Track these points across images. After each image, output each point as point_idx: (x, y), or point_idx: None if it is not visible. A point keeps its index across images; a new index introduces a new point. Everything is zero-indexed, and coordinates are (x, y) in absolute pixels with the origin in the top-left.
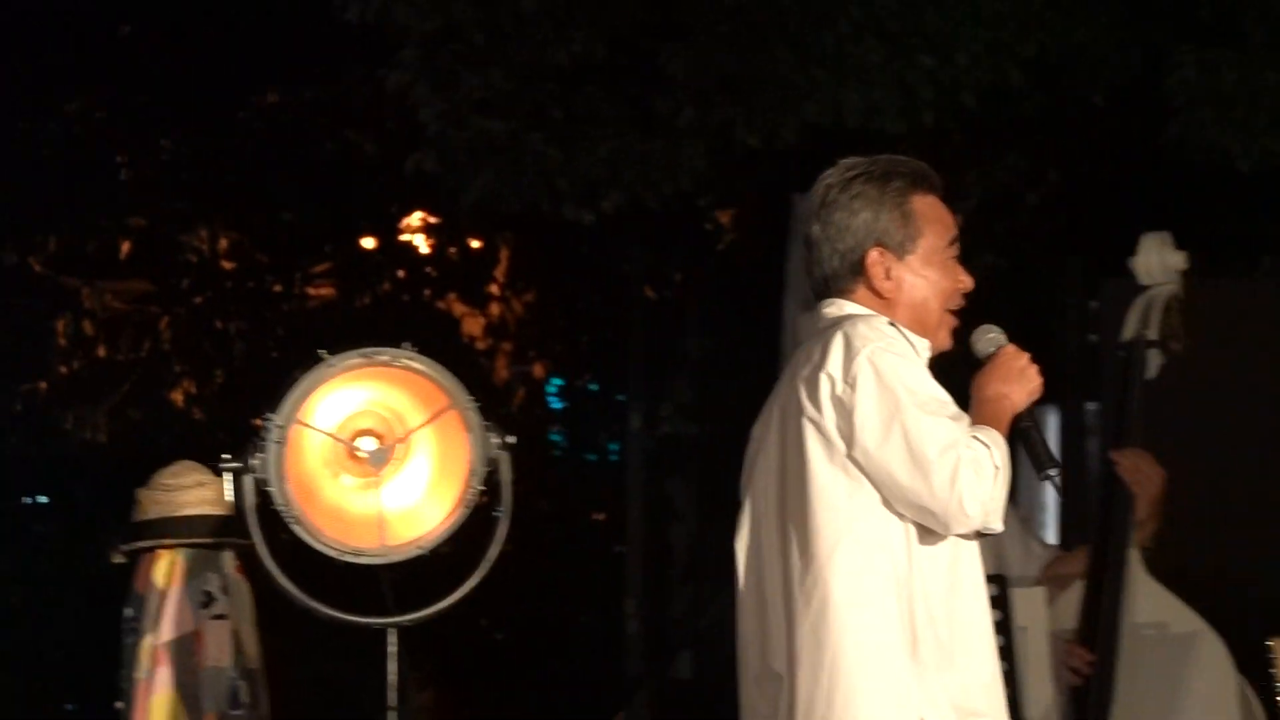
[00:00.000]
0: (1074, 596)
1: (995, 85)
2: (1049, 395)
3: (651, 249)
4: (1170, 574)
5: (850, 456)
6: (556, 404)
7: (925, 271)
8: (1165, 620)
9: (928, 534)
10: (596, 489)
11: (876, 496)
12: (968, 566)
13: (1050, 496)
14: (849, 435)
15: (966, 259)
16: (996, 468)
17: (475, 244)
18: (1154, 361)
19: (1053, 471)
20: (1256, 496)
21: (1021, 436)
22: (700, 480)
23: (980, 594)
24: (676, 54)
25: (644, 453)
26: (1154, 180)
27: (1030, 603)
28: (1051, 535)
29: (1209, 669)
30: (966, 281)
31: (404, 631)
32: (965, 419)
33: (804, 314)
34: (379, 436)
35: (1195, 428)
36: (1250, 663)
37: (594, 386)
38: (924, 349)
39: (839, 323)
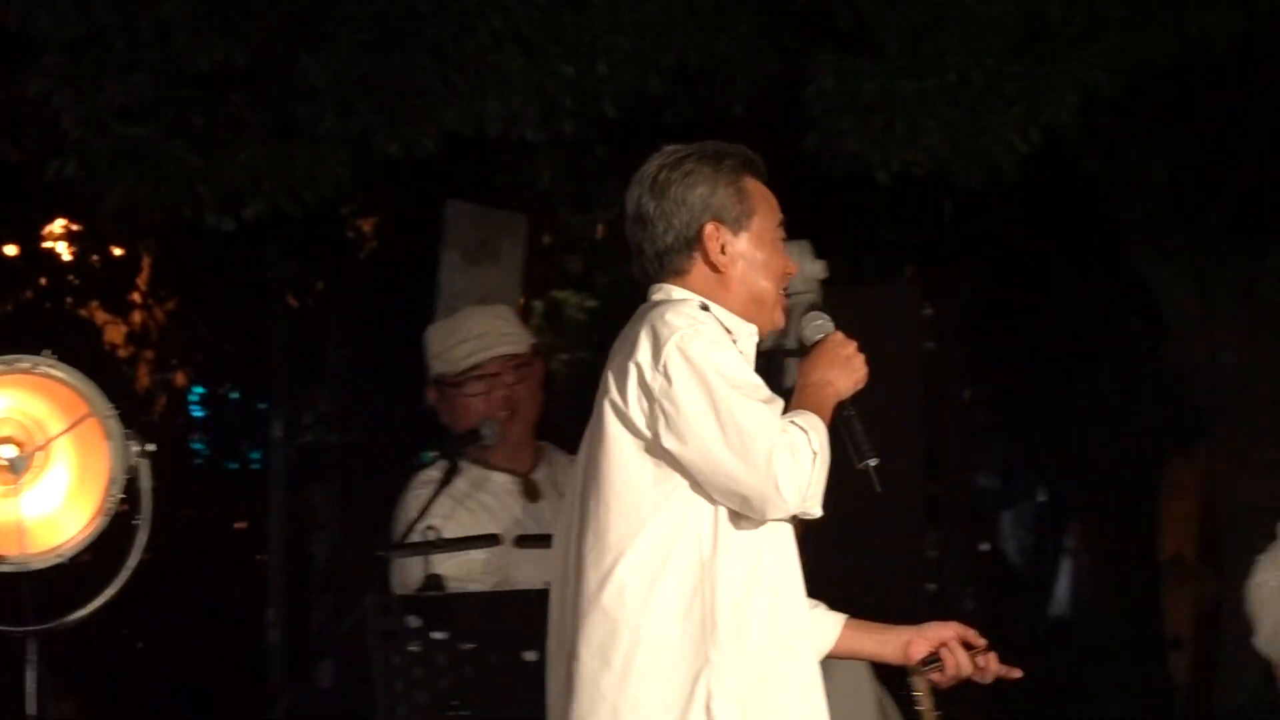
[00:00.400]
0: None
1: (636, 94)
2: None
3: (294, 257)
4: (806, 582)
5: (659, 444)
6: (198, 412)
7: (758, 250)
8: None
9: (736, 524)
10: (238, 497)
11: (683, 484)
12: (773, 556)
13: None
14: (658, 423)
15: (604, 269)
16: (815, 452)
17: (118, 251)
18: (793, 371)
19: (871, 461)
20: (890, 505)
21: (843, 424)
22: (342, 489)
23: (791, 585)
24: (318, 61)
25: (286, 461)
26: (793, 189)
27: None
28: None
29: (846, 678)
30: (792, 266)
31: (43, 640)
32: (779, 403)
33: (442, 320)
34: (18, 444)
35: (830, 435)
36: (887, 672)
37: (236, 395)
38: (749, 334)
39: (650, 310)
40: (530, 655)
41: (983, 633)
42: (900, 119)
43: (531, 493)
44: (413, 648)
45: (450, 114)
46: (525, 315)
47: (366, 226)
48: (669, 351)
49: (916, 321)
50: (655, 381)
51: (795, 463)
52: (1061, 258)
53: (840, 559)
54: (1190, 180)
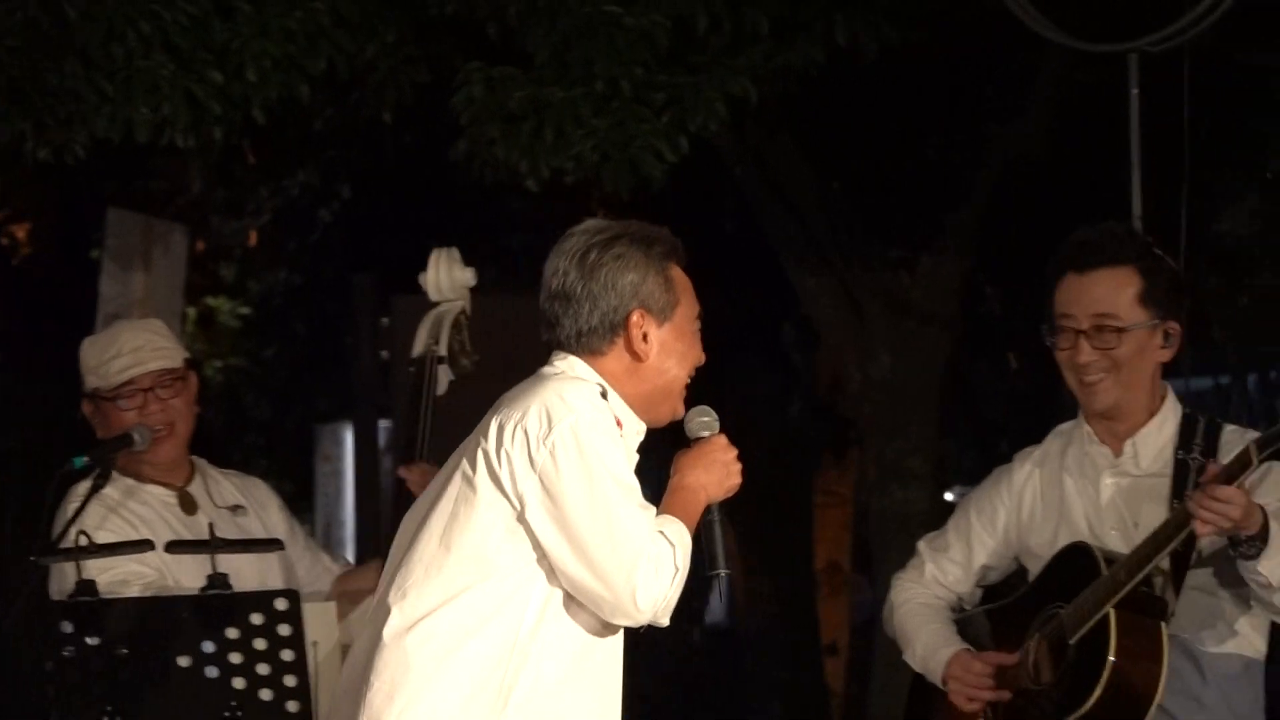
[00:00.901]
0: (365, 611)
1: (285, 101)
2: (342, 412)
3: None
4: None
5: (523, 516)
6: None
7: (678, 341)
8: None
9: (565, 614)
10: None
11: (527, 559)
12: (597, 661)
13: (349, 512)
14: (530, 497)
15: (257, 276)
16: (676, 569)
17: None
18: (444, 378)
19: (722, 572)
20: None
21: (705, 528)
22: None
23: (608, 681)
24: None
25: None
26: (443, 197)
27: (321, 617)
28: (351, 551)
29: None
30: (702, 358)
31: None
32: (652, 510)
33: (96, 334)
34: None
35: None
36: None
37: None
38: (637, 431)
39: (551, 380)
40: (184, 661)
41: (637, 642)
42: (549, 127)
43: (188, 505)
44: (66, 653)
45: (100, 120)
46: (179, 323)
47: (19, 233)
48: (561, 432)
49: None
50: (539, 455)
51: (657, 577)
52: (712, 267)
53: None
54: (839, 190)
